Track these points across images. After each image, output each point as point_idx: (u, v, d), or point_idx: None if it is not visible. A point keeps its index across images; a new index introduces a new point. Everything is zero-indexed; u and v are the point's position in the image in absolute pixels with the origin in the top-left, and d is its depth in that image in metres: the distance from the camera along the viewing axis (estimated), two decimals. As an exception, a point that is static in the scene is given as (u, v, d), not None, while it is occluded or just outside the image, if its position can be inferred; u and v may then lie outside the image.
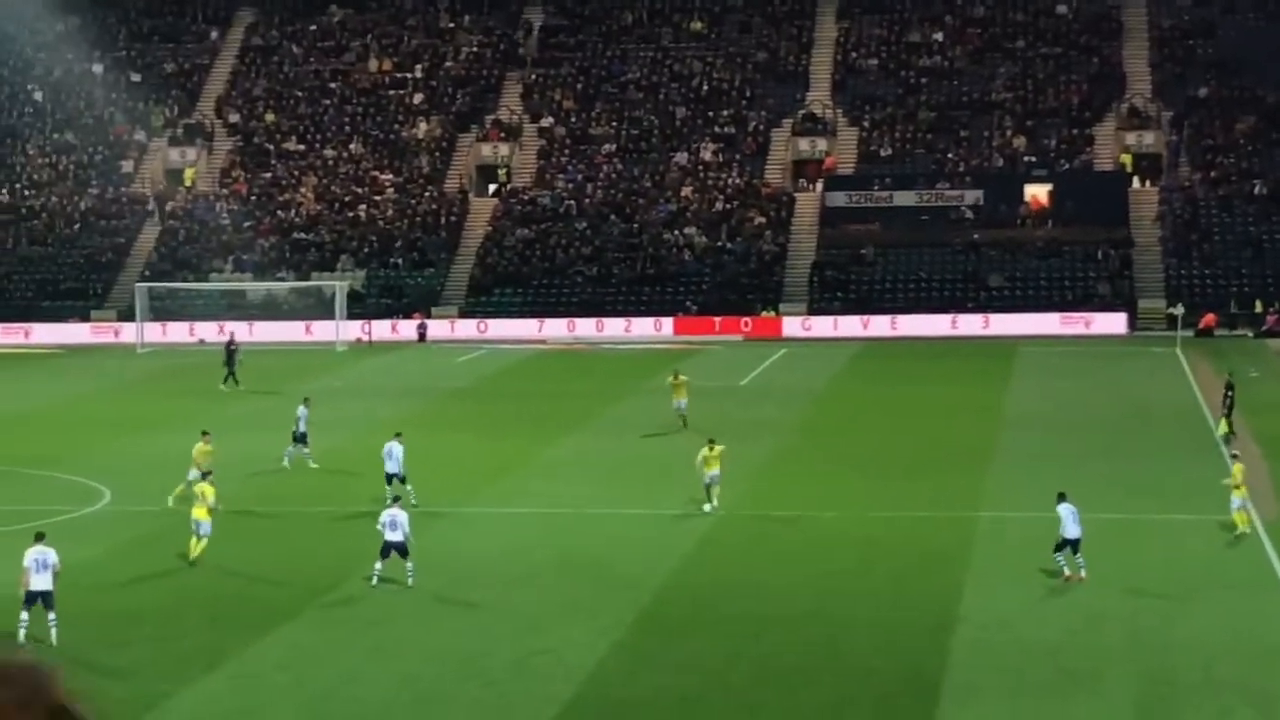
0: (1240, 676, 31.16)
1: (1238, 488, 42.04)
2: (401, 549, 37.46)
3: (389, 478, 45.55)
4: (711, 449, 45.47)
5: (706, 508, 44.68)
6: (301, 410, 52.83)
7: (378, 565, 37.41)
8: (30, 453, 55.57)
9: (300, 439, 52.55)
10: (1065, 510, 37.95)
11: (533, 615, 35.59)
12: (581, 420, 62.10)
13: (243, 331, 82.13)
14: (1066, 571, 37.60)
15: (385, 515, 38.10)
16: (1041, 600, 36.59)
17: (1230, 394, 56.13)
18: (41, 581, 32.78)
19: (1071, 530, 37.68)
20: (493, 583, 38.26)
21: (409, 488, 44.85)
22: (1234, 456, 45.01)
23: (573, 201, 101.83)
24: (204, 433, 47.69)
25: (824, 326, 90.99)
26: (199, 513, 39.94)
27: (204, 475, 42.56)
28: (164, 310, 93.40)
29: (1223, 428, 55.46)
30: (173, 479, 46.36)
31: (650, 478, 50.79)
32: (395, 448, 46.03)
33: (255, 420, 61.73)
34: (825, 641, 33.51)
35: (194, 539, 39.77)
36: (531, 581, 38.28)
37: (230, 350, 72.74)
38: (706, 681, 30.97)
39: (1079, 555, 37.56)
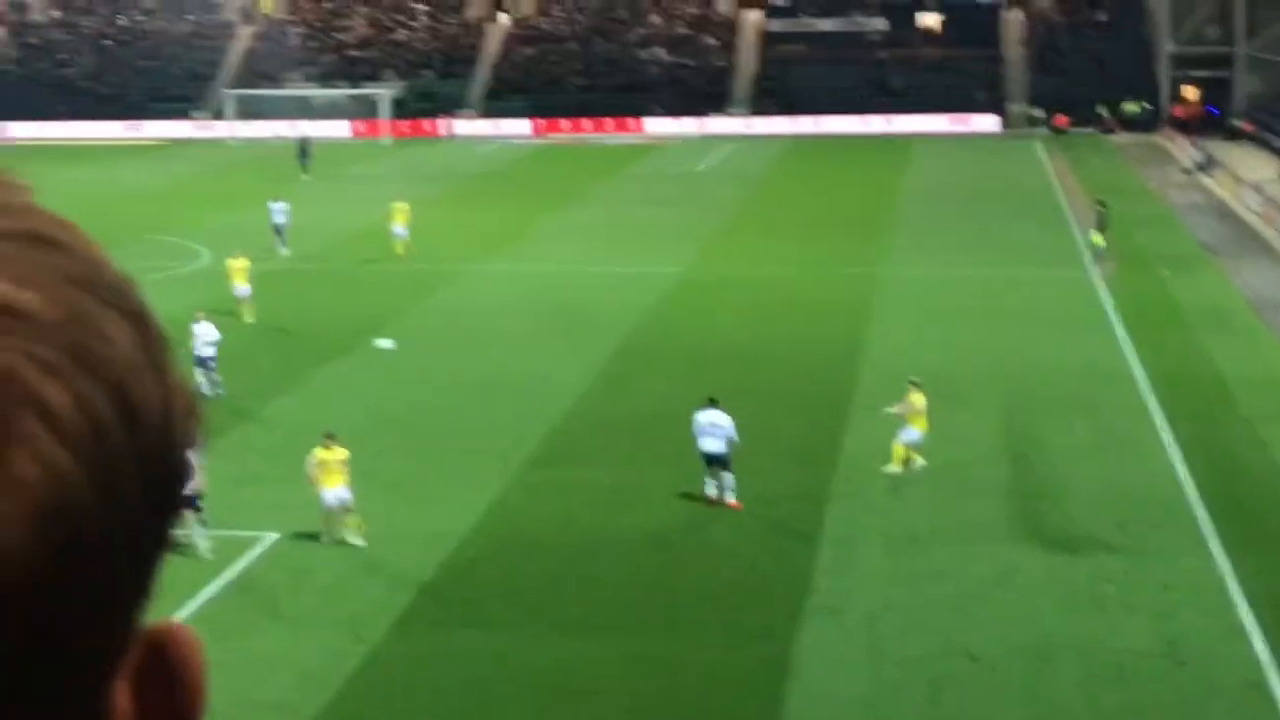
0: (1079, 394, 31.01)
1: (917, 417, 26.41)
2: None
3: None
4: (329, 448, 22.61)
5: (357, 542, 22.23)
6: (275, 205, 47.27)
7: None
8: (144, 222, 54.52)
9: (277, 231, 46.67)
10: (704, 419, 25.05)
11: (533, 349, 35.24)
12: (575, 197, 61.21)
13: (310, 128, 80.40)
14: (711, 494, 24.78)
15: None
16: (926, 334, 36.29)
17: (1103, 209, 45.20)
18: None
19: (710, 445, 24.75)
20: (502, 325, 37.83)
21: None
22: (914, 384, 26.96)
23: (566, 27, 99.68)
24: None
25: (762, 125, 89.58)
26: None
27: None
28: (248, 111, 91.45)
29: (1096, 239, 44.11)
30: (257, 242, 45.39)
31: (628, 241, 50.13)
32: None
33: (320, 197, 60.55)
34: (759, 368, 33.20)
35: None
36: (534, 324, 37.85)
37: (303, 145, 71.05)
38: (667, 402, 30.66)
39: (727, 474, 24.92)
